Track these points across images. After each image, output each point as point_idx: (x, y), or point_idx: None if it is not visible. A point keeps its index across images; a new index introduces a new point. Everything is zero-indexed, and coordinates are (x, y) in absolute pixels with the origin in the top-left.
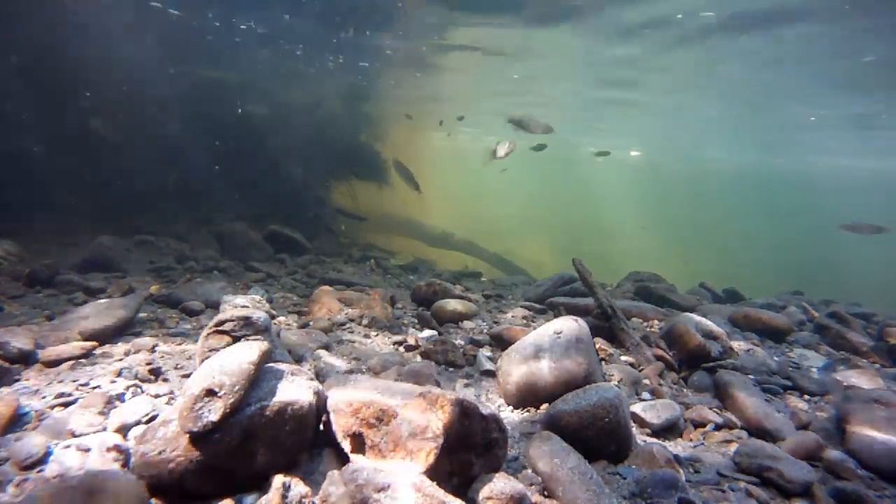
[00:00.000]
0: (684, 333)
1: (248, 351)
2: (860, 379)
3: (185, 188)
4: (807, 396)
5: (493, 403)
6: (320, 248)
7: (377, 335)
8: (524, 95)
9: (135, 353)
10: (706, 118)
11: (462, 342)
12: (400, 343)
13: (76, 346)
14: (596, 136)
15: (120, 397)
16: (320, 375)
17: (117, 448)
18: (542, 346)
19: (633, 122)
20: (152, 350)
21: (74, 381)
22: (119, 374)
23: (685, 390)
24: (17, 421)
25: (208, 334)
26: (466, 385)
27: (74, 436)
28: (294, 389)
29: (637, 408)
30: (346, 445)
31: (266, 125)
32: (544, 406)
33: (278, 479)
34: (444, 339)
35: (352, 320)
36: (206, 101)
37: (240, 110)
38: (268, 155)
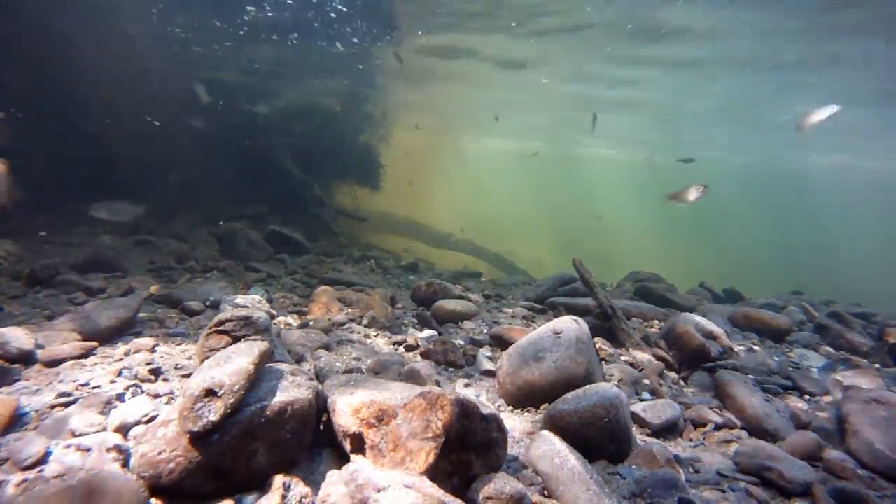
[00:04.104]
0: (684, 333)
1: (248, 351)
2: (860, 379)
3: (186, 187)
4: (807, 396)
5: (493, 403)
6: (320, 248)
7: (377, 335)
8: (520, 94)
9: (135, 353)
10: (702, 114)
11: (462, 342)
12: (400, 343)
13: (76, 346)
14: (593, 134)
15: (120, 397)
16: (320, 375)
17: (117, 448)
18: (542, 347)
19: (632, 120)
20: (152, 350)
21: (74, 381)
22: (119, 374)
23: (685, 390)
24: (17, 421)
25: (208, 334)
26: (466, 385)
27: (74, 436)
28: (294, 389)
29: (637, 408)
30: (346, 445)
31: (267, 124)
32: (544, 406)
33: (278, 479)
34: (444, 339)
35: (352, 320)
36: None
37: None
38: (269, 154)
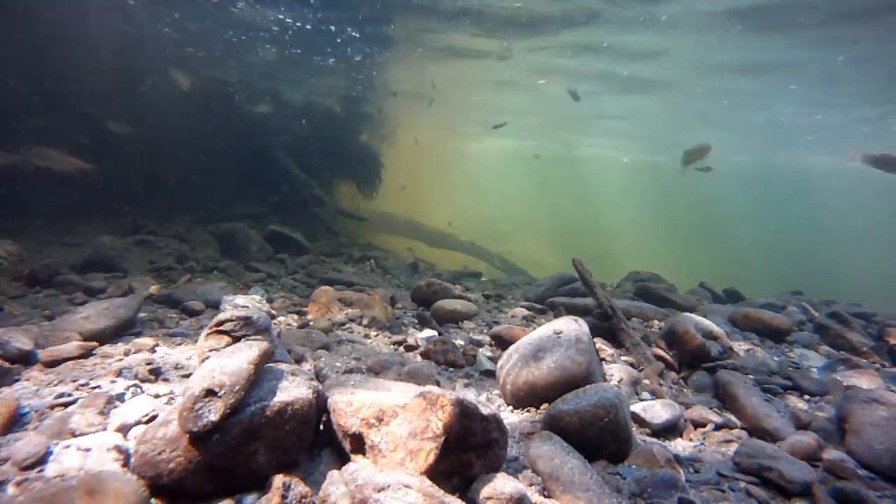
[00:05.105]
0: (684, 333)
1: (248, 351)
2: (860, 379)
3: (185, 186)
4: (807, 396)
5: (493, 403)
6: (320, 248)
7: (377, 335)
8: (519, 93)
9: (135, 353)
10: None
11: (462, 342)
12: (400, 343)
13: (76, 346)
14: (593, 135)
15: (120, 397)
16: (320, 375)
17: (117, 448)
18: (542, 346)
19: (632, 120)
20: (152, 350)
21: (74, 381)
22: (119, 374)
23: (685, 390)
24: (17, 421)
25: (208, 334)
26: (466, 385)
27: (74, 436)
28: (294, 389)
29: (637, 408)
30: (346, 445)
31: (268, 124)
32: (544, 406)
33: (278, 479)
34: (444, 339)
35: (352, 320)
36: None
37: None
38: (269, 154)
